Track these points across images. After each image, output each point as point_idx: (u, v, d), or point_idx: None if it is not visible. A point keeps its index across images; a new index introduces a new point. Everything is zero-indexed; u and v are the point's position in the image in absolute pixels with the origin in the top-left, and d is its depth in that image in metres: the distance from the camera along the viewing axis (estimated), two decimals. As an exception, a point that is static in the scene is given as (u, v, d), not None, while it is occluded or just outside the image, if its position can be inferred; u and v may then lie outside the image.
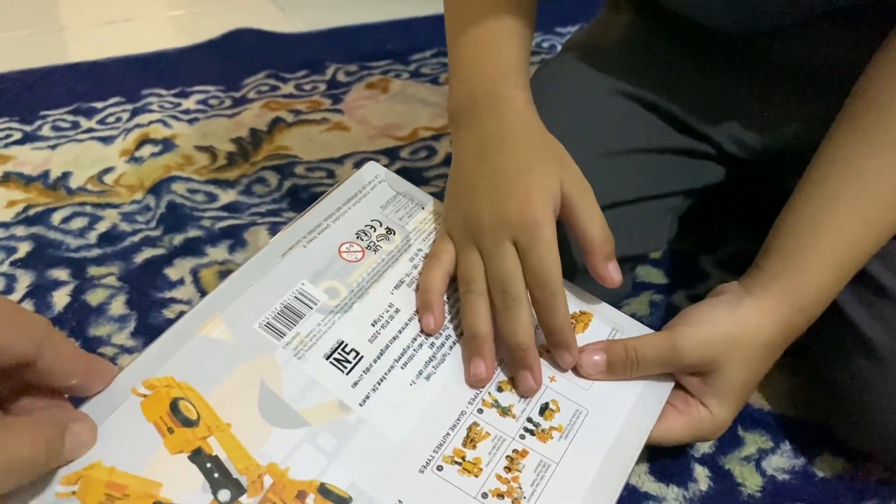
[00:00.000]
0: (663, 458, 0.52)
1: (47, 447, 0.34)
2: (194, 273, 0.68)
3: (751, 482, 0.51)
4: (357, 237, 0.49)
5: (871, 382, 0.47)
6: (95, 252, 0.70)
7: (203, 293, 0.65)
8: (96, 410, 0.39)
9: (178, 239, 0.71)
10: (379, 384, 0.44)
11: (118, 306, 0.64)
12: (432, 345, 0.46)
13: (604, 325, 0.50)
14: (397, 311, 0.47)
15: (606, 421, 0.46)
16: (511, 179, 0.47)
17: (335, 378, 0.43)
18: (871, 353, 0.47)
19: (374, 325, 0.46)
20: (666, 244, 0.62)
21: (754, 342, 0.46)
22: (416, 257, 0.50)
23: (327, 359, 0.44)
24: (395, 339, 0.46)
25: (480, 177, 0.49)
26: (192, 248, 0.70)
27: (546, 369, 0.47)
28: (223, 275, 0.67)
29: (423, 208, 0.53)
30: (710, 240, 0.72)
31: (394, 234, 0.51)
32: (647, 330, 0.50)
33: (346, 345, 0.44)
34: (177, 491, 0.37)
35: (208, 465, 0.38)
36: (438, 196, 0.54)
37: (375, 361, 0.44)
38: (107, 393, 0.39)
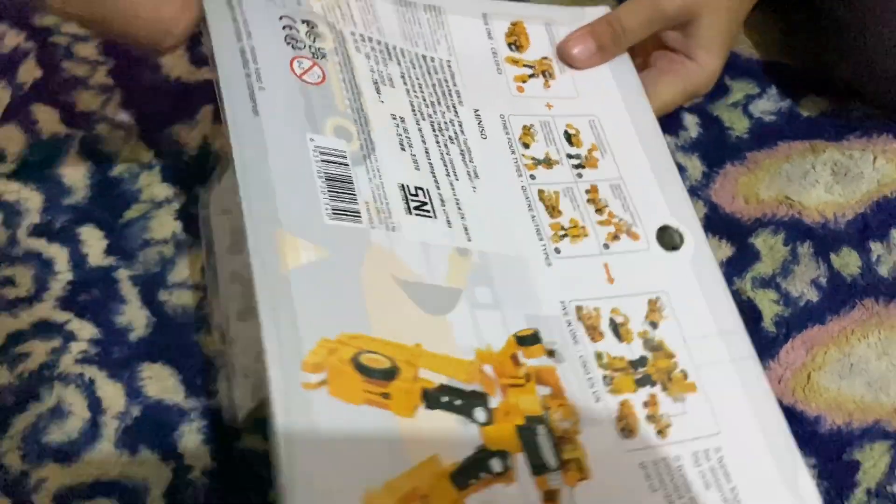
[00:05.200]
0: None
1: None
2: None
3: (738, 125, 0.52)
4: (290, 45, 0.39)
5: (873, 18, 0.46)
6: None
7: None
8: (284, 433, 0.29)
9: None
10: (459, 208, 0.39)
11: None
12: (457, 142, 0.43)
13: (536, 25, 0.47)
14: (402, 118, 0.41)
15: (613, 114, 0.45)
16: None
17: (430, 228, 0.37)
18: None
19: (403, 150, 0.39)
20: None
21: None
22: (363, 46, 0.42)
23: (409, 213, 0.37)
24: (427, 153, 0.40)
25: None
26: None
27: (541, 99, 0.45)
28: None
29: None
30: None
31: (315, 26, 0.41)
32: (581, 8, 0.48)
33: (408, 186, 0.38)
34: (441, 445, 0.32)
35: (443, 399, 0.33)
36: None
37: (438, 188, 0.39)
38: (281, 400, 0.30)
